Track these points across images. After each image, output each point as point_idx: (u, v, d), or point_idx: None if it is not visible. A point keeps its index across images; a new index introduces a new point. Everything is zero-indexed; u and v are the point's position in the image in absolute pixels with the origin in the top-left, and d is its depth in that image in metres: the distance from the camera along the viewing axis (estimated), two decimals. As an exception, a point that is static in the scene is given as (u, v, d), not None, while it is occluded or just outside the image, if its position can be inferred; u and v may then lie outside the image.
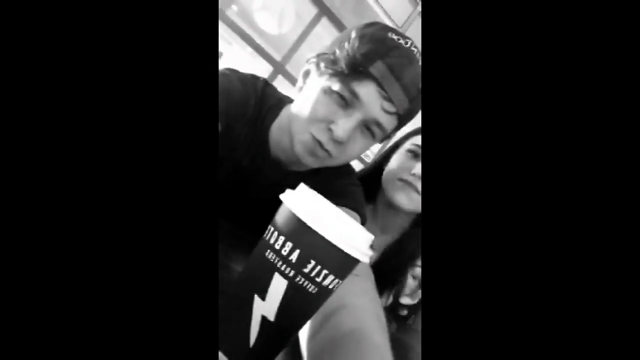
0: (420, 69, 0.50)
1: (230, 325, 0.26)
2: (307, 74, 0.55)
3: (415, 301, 0.66)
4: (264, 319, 0.25)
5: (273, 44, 2.91)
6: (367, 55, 0.47)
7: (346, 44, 0.49)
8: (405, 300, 0.66)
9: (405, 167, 0.67)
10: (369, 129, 0.51)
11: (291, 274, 0.25)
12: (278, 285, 0.25)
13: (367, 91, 0.48)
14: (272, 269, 0.25)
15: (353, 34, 0.49)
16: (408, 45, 0.49)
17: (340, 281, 0.26)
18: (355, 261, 0.25)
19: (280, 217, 0.26)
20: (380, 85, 0.47)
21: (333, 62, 0.49)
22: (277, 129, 0.59)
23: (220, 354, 0.26)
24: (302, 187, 0.27)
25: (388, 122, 0.50)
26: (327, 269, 0.25)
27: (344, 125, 0.48)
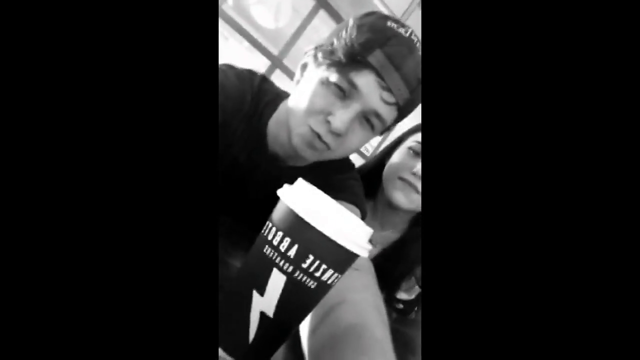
0: (421, 59, 0.49)
1: (229, 322, 0.26)
2: (304, 66, 0.54)
3: (412, 297, 0.66)
4: (262, 314, 0.25)
5: (270, 38, 2.89)
6: (366, 45, 0.46)
7: (344, 34, 0.48)
8: (401, 295, 0.66)
9: (406, 165, 0.66)
10: (368, 120, 0.50)
11: (290, 269, 0.24)
12: (277, 281, 0.25)
13: (365, 81, 0.47)
14: (270, 264, 0.25)
15: (351, 23, 0.49)
16: (407, 34, 0.48)
17: (340, 276, 0.26)
18: (354, 255, 0.25)
19: (277, 212, 0.26)
20: (379, 75, 0.46)
21: (331, 52, 0.48)
22: (274, 123, 0.58)
23: (220, 350, 0.26)
24: (300, 181, 0.27)
25: (387, 113, 0.49)
26: (326, 264, 0.24)
27: (342, 116, 0.47)
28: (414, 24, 0.52)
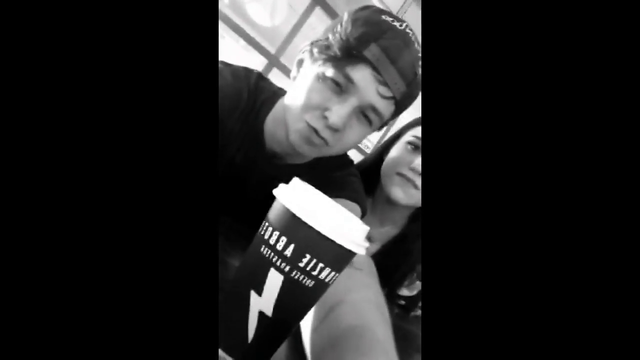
0: (417, 52, 0.49)
1: (228, 322, 0.26)
2: (300, 62, 0.54)
3: (414, 293, 0.66)
4: (261, 314, 0.25)
5: (266, 36, 2.88)
6: (361, 39, 0.46)
7: (339, 28, 0.48)
8: (403, 291, 0.66)
9: (404, 160, 0.66)
10: (366, 115, 0.50)
11: (287, 268, 0.24)
12: (274, 281, 0.25)
13: (361, 75, 0.47)
14: (267, 264, 0.25)
15: (346, 18, 0.48)
16: (403, 28, 0.48)
17: (337, 274, 0.26)
18: (351, 253, 0.25)
19: (273, 211, 0.26)
20: (375, 68, 0.46)
21: (326, 47, 0.48)
22: (272, 121, 0.58)
23: (220, 351, 0.26)
24: (296, 180, 0.27)
25: (384, 107, 0.49)
26: (323, 263, 0.24)
27: (338, 111, 0.47)
28: (410, 20, 0.52)
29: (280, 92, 0.61)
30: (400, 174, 0.65)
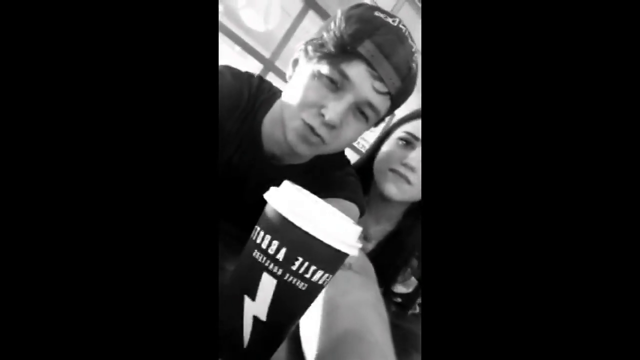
0: (410, 48, 0.49)
1: (223, 327, 0.26)
2: (295, 62, 0.54)
3: (410, 289, 0.66)
4: (255, 319, 0.25)
5: (261, 40, 2.89)
6: (355, 35, 0.46)
7: (332, 26, 0.48)
8: (398, 288, 0.65)
9: (396, 156, 0.66)
10: (362, 111, 0.50)
11: (279, 272, 0.24)
12: (267, 285, 0.25)
13: (356, 71, 0.47)
14: (260, 268, 0.25)
15: (339, 15, 0.49)
16: (396, 24, 0.48)
17: (331, 276, 0.26)
18: (344, 255, 0.25)
19: (264, 215, 0.26)
20: (369, 64, 0.46)
21: (321, 45, 0.48)
22: (269, 121, 0.58)
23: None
24: (286, 183, 0.27)
25: (380, 103, 0.49)
26: (315, 265, 0.24)
27: (335, 108, 0.47)
28: (403, 19, 0.52)
29: (279, 93, 0.61)
30: (393, 170, 0.65)
